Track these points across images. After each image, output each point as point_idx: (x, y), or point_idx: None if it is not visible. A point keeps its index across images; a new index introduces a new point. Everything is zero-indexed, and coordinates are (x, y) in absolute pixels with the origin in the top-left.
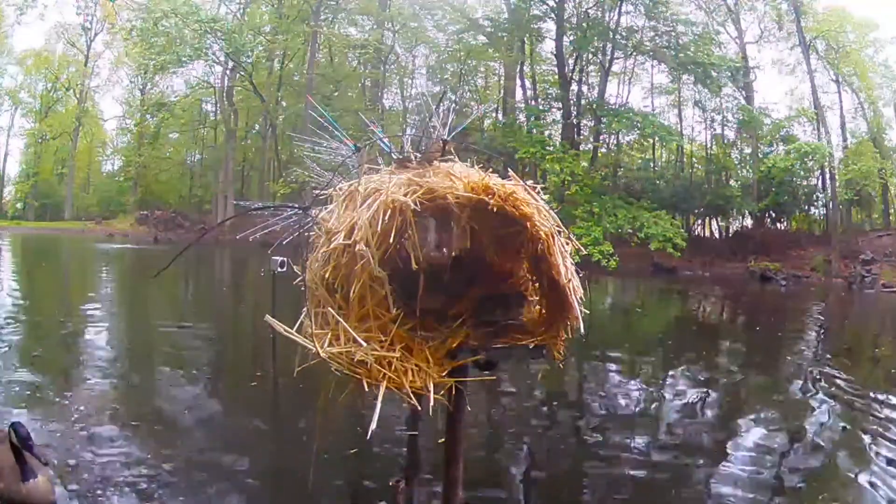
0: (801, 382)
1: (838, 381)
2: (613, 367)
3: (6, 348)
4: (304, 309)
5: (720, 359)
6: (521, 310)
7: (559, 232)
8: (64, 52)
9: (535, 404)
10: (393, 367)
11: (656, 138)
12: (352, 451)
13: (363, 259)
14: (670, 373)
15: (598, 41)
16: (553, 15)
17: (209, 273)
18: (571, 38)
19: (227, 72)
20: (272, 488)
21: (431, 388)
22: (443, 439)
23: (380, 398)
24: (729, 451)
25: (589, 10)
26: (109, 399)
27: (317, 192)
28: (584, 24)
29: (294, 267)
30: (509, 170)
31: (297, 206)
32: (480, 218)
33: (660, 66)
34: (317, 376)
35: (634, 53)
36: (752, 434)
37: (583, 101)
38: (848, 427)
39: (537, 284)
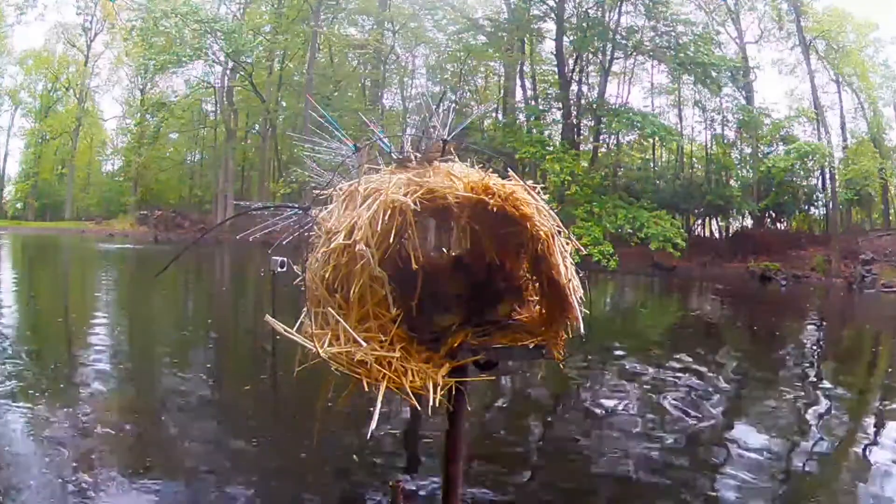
0: (801, 383)
1: (838, 382)
2: (613, 366)
3: (6, 347)
4: (304, 309)
5: (720, 359)
6: (519, 309)
7: (559, 232)
8: (64, 52)
9: (536, 404)
10: (393, 367)
11: (656, 138)
12: (352, 453)
13: (363, 259)
14: (670, 373)
15: (598, 41)
16: (553, 15)
17: (209, 273)
18: (571, 38)
19: (227, 72)
20: (271, 489)
21: (431, 389)
22: (443, 439)
23: (380, 398)
24: (729, 452)
25: (589, 10)
26: (107, 398)
27: (317, 192)
28: (584, 24)
29: (294, 267)
30: (509, 170)
31: (297, 206)
32: (480, 218)
33: (660, 66)
34: (317, 377)
35: (634, 53)
36: (752, 435)
37: (583, 101)
38: (848, 428)
39: (537, 284)
